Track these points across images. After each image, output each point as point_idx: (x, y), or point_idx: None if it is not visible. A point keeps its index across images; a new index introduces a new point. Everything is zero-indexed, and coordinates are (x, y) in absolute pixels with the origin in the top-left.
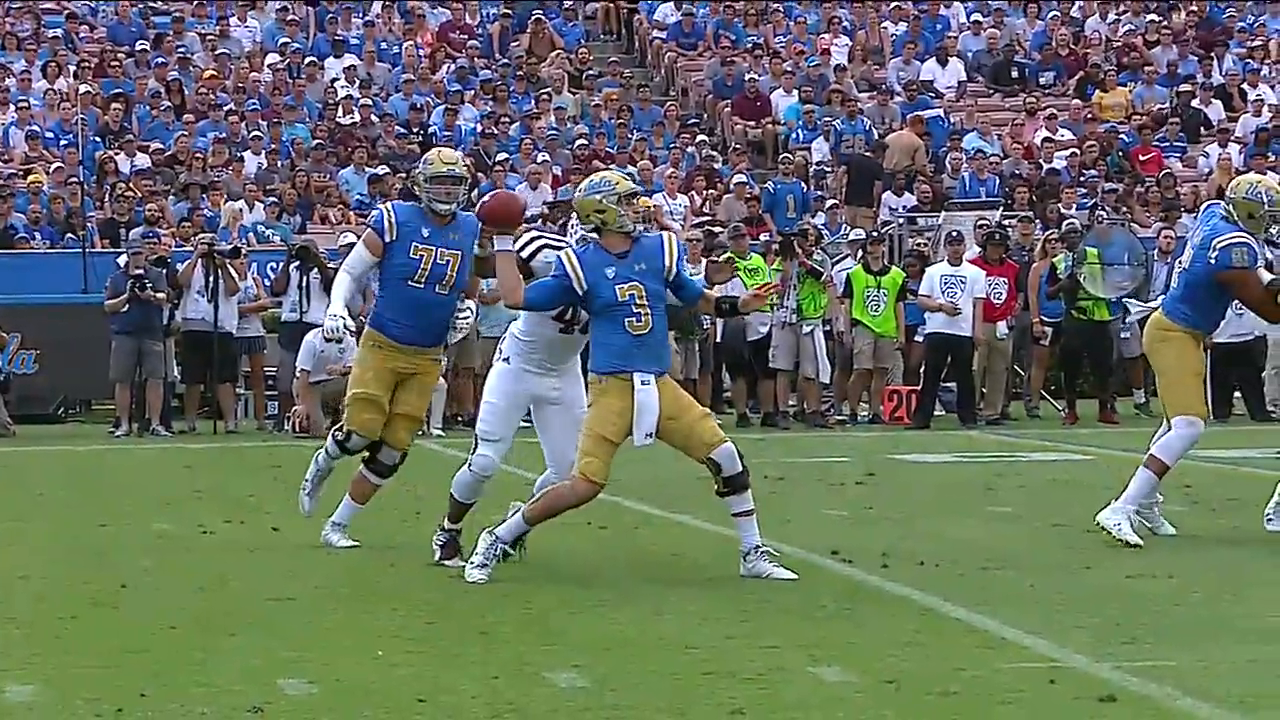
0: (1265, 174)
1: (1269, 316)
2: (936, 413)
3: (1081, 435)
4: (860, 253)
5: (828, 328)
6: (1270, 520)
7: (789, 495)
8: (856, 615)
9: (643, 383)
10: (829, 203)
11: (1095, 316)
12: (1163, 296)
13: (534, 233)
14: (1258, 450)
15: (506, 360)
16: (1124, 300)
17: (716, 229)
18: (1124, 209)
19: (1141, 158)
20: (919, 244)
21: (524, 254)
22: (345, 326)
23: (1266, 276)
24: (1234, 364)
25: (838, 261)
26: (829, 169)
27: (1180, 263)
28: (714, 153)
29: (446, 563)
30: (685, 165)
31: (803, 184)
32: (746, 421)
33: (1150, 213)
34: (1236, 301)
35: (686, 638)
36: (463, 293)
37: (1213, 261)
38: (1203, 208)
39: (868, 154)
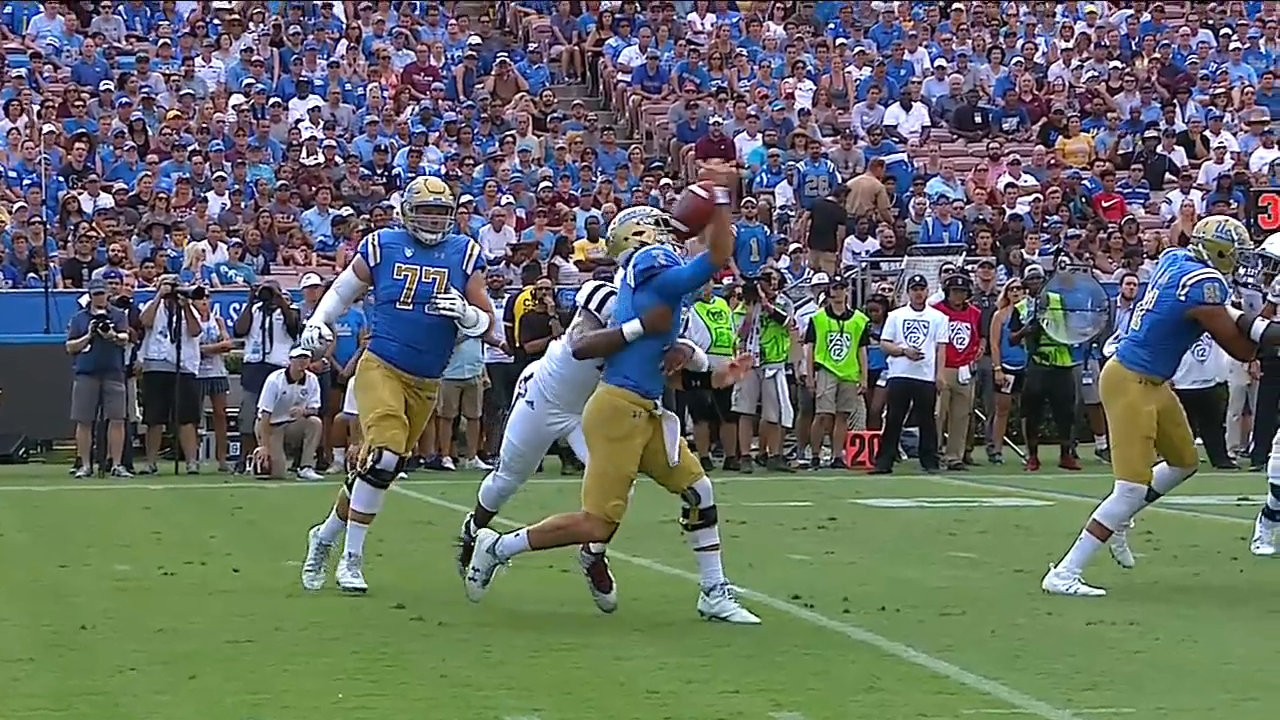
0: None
1: (1239, 352)
2: (899, 458)
3: (1043, 481)
4: (823, 297)
5: (790, 372)
6: (1258, 544)
7: (751, 539)
8: (818, 660)
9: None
10: (792, 247)
11: (1057, 362)
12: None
13: (598, 281)
14: (1218, 497)
15: (530, 403)
16: (1096, 343)
17: None
18: (1086, 255)
19: (1104, 204)
20: (882, 288)
21: (592, 304)
22: (322, 337)
23: (1236, 313)
24: (1195, 411)
25: (800, 305)
26: (792, 213)
27: (1142, 305)
28: (678, 196)
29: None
30: (649, 205)
31: (766, 228)
32: (709, 465)
33: (1113, 259)
34: (1198, 347)
35: (647, 681)
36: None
37: (1183, 299)
38: (1163, 254)
39: (830, 198)
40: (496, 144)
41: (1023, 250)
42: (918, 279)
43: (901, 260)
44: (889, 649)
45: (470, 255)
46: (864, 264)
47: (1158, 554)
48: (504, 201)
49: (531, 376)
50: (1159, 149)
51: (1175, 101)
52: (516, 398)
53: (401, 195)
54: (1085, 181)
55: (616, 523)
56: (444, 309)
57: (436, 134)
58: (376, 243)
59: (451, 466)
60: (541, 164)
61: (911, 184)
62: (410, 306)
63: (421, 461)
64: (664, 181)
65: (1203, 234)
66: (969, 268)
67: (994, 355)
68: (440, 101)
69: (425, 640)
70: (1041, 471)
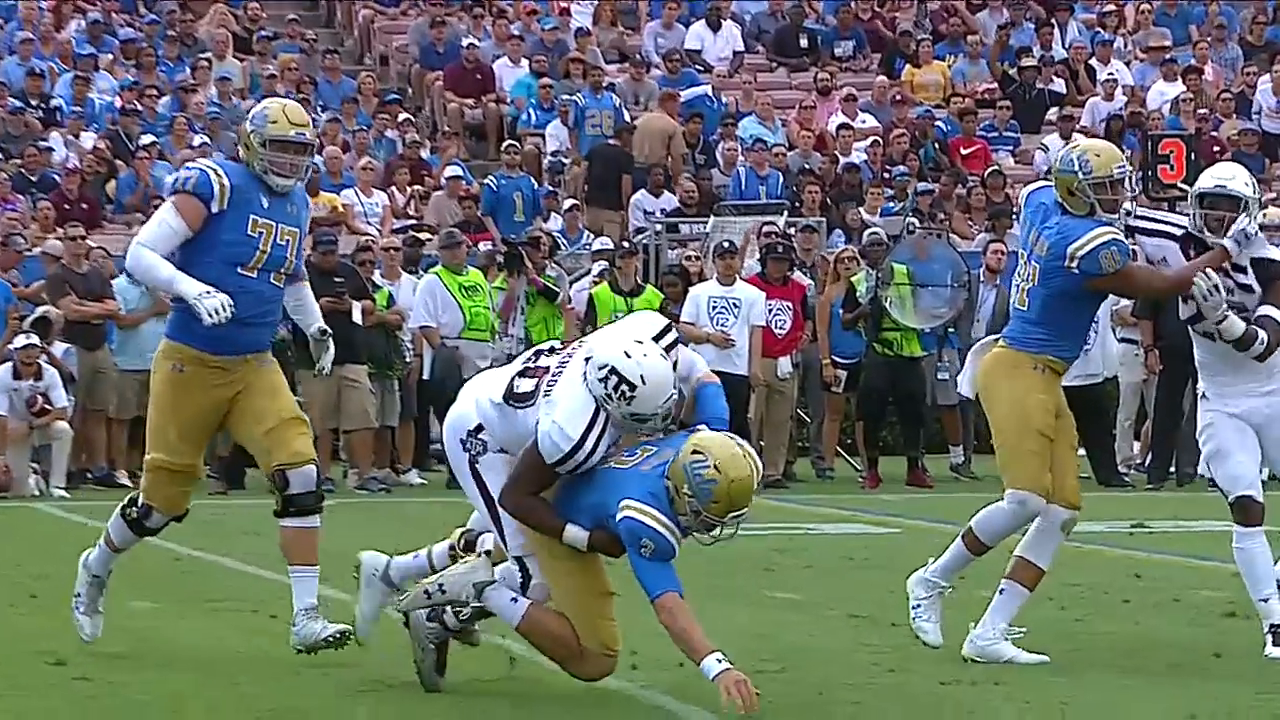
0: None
1: (1162, 295)
2: None
3: (885, 502)
4: (605, 267)
5: None
6: None
7: None
8: None
9: None
10: (567, 203)
11: (903, 352)
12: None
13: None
14: (1107, 523)
15: (504, 451)
16: (953, 327)
17: (424, 236)
18: (941, 215)
19: (963, 151)
20: (682, 257)
21: (585, 448)
22: (228, 304)
23: (1165, 273)
24: (1079, 413)
25: (577, 278)
26: (567, 160)
27: (1021, 279)
28: (421, 138)
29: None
30: (384, 153)
31: (533, 179)
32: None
33: (974, 221)
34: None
35: None
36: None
37: (1076, 271)
38: (1024, 195)
39: (614, 142)
40: (187, 70)
41: (860, 210)
42: (727, 245)
43: (706, 221)
44: (684, 714)
45: (309, 210)
46: (658, 226)
47: (1032, 595)
48: (197, 143)
49: (481, 428)
50: (1034, 82)
51: (1053, 22)
52: (473, 461)
53: (247, 121)
54: (939, 123)
55: (616, 651)
56: (325, 367)
57: (110, 57)
58: (225, 181)
59: (129, 484)
60: (246, 96)
61: (719, 125)
62: (254, 274)
63: (89, 475)
64: (403, 118)
65: (1053, 169)
66: (792, 231)
67: (822, 343)
68: (114, 15)
69: (90, 704)
70: (883, 490)
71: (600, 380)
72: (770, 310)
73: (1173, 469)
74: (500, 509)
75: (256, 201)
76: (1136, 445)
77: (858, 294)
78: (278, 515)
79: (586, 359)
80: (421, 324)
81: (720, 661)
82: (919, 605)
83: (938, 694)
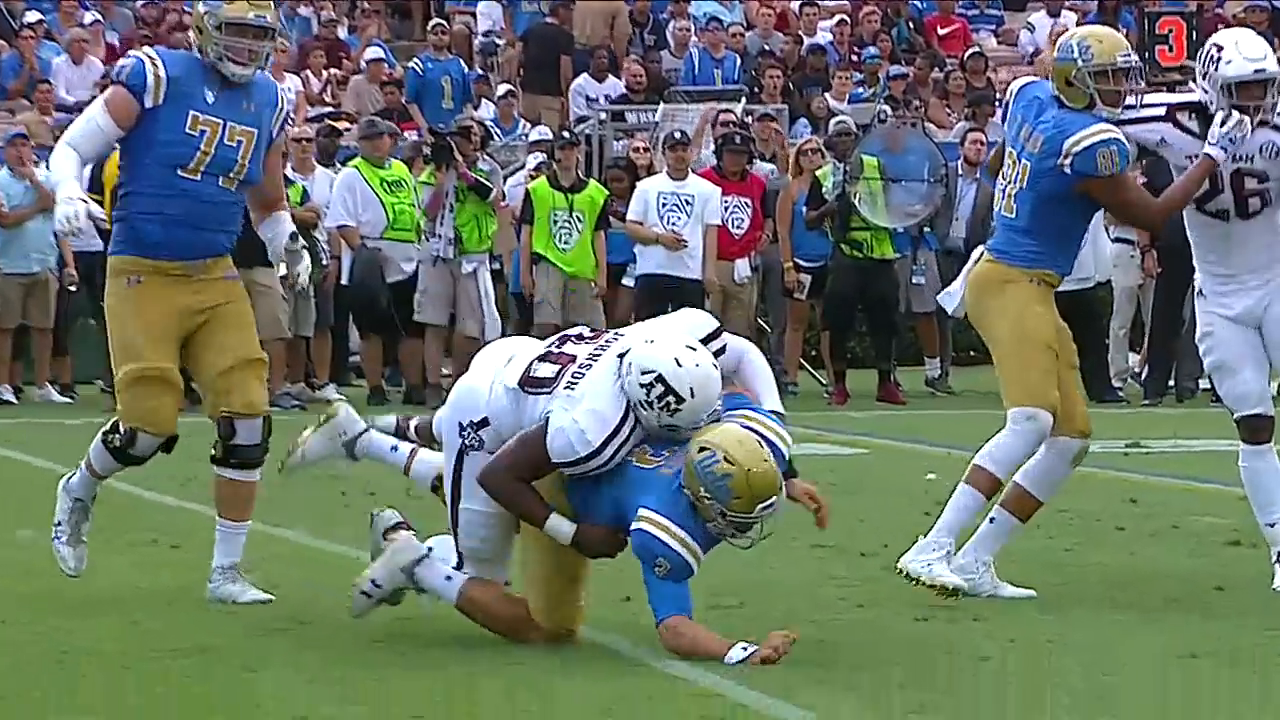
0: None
1: (1151, 223)
2: None
3: (853, 420)
4: (544, 160)
5: (497, 266)
6: None
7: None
8: (543, 671)
9: None
10: (500, 89)
11: (874, 254)
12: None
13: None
14: (1100, 442)
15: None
16: (929, 227)
17: (341, 125)
18: (916, 103)
19: (940, 30)
20: (628, 149)
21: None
22: (91, 215)
23: (1155, 199)
24: (1069, 322)
25: (512, 172)
26: (500, 41)
27: (1008, 181)
28: (338, 16)
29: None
30: (297, 33)
31: (463, 62)
32: (382, 396)
33: (952, 108)
34: None
35: (293, 704)
36: (262, 199)
37: (1068, 170)
38: (1014, 88)
39: (552, 20)
40: None
41: (826, 96)
42: (678, 135)
43: (655, 109)
44: (638, 657)
45: (280, 111)
46: (601, 114)
47: (1021, 528)
48: (88, 21)
49: (485, 423)
50: None
51: None
52: (463, 450)
53: (202, 3)
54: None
55: (573, 631)
56: (300, 275)
57: None
58: (160, 73)
59: (12, 399)
60: None
61: (670, 2)
62: (197, 177)
63: None
64: None
65: (1051, 60)
66: (750, 120)
67: (784, 244)
68: None
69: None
70: (851, 406)
71: (643, 386)
72: (726, 207)
73: (1172, 382)
74: (467, 508)
75: (199, 96)
76: (1133, 356)
77: (823, 189)
78: (215, 462)
79: (621, 355)
80: (339, 223)
81: (746, 649)
82: (929, 565)
83: (912, 631)
